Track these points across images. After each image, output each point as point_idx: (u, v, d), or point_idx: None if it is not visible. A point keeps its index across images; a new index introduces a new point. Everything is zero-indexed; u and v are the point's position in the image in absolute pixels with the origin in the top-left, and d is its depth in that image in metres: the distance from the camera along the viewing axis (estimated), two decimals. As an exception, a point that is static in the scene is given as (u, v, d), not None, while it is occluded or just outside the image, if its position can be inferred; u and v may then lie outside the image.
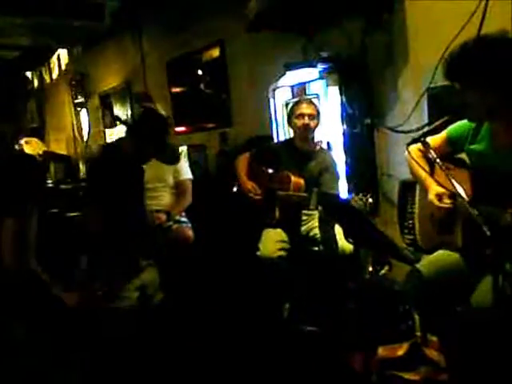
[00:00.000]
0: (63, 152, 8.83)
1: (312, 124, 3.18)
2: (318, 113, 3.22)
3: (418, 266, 2.05)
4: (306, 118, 3.16)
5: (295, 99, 3.57)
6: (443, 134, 2.09)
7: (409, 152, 2.10)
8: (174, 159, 3.40)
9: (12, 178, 1.70)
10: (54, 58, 7.59)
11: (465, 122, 2.01)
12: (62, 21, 5.59)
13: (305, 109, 3.18)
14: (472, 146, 1.99)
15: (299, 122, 3.17)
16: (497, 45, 1.71)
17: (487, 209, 1.65)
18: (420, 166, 2.03)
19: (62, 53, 7.49)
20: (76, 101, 8.22)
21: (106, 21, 5.64)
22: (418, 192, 2.25)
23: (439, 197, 1.99)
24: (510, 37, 1.72)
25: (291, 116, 3.24)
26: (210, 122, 5.42)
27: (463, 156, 2.08)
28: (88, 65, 7.76)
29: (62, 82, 8.48)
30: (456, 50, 1.78)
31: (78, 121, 8.49)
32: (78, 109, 8.34)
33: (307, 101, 3.25)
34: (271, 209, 3.17)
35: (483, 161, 1.94)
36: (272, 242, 3.06)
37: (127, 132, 2.90)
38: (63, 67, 7.60)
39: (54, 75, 7.78)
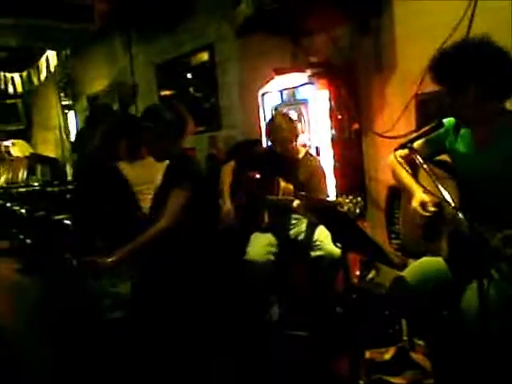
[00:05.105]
0: (50, 154, 8.76)
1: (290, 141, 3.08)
2: (295, 126, 3.11)
3: (402, 273, 2.05)
4: None
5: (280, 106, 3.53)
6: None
7: (394, 157, 2.10)
8: None
9: None
10: (43, 60, 7.54)
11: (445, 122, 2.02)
12: (52, 22, 5.57)
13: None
14: (454, 145, 2.00)
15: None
16: (485, 43, 1.75)
17: (479, 228, 1.64)
18: (406, 170, 2.03)
19: (51, 54, 7.44)
20: (64, 103, 8.18)
21: (96, 23, 5.63)
22: (402, 198, 2.26)
23: (423, 205, 1.99)
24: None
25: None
26: (200, 126, 5.41)
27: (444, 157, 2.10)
28: (77, 67, 7.72)
29: (50, 84, 8.43)
30: (447, 50, 1.81)
31: (66, 123, 8.44)
32: (66, 111, 8.29)
33: (285, 119, 3.10)
34: (259, 214, 3.17)
35: (465, 161, 1.96)
36: (260, 245, 3.05)
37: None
38: (52, 69, 7.54)
39: (43, 77, 7.73)
